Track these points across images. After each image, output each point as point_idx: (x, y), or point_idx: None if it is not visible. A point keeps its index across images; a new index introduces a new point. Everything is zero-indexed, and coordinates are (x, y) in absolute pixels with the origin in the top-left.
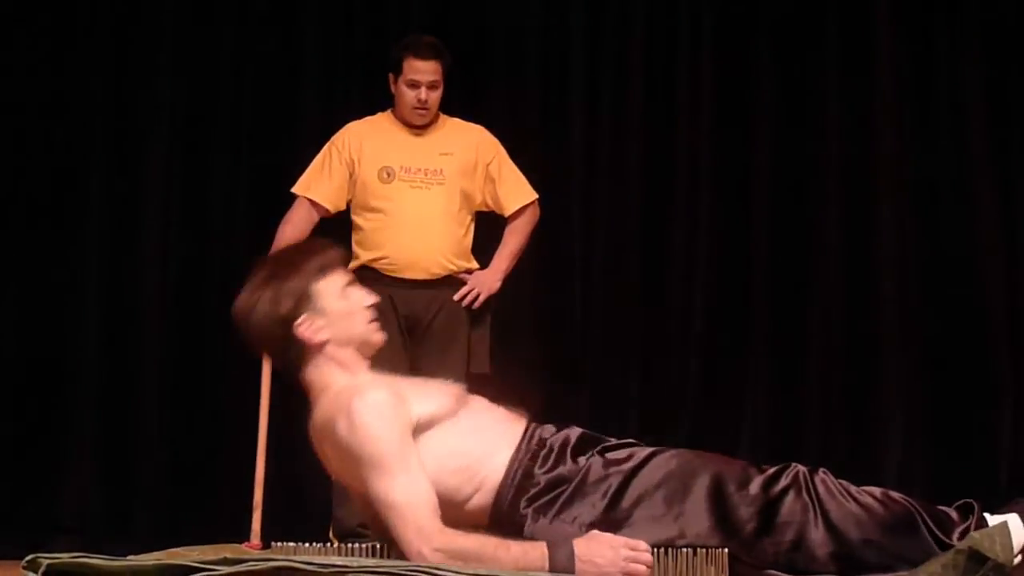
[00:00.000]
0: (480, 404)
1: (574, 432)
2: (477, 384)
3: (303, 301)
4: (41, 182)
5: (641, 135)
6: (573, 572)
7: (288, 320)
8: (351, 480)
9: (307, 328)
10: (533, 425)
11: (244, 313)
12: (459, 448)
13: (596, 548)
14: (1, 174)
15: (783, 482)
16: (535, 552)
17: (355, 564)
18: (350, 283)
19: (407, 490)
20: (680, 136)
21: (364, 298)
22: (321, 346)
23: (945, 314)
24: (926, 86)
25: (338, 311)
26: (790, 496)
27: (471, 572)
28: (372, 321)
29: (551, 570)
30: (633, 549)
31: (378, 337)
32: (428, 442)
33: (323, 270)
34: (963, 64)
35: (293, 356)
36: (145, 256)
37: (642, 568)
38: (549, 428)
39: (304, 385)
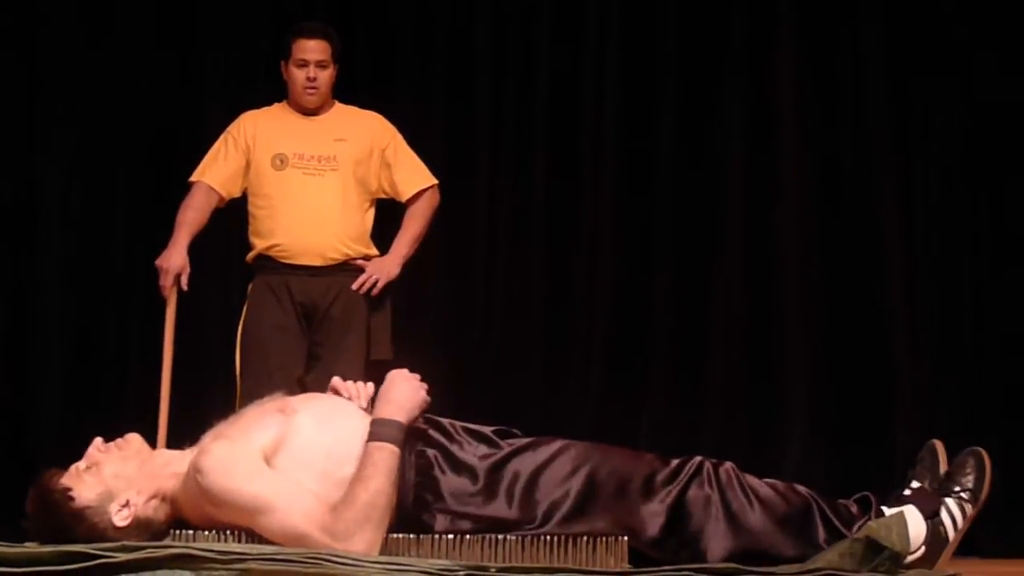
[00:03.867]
0: (322, 403)
1: (458, 424)
2: (380, 371)
3: (99, 517)
4: None
5: (546, 128)
6: (404, 421)
7: (117, 535)
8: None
9: (123, 514)
10: None
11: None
12: (330, 452)
13: (403, 393)
14: None
15: (687, 474)
16: (385, 453)
17: (255, 551)
18: (76, 467)
19: (294, 508)
20: (584, 129)
21: (93, 451)
22: (140, 504)
23: (845, 311)
24: (829, 79)
25: (109, 479)
26: (693, 488)
27: (369, 560)
28: (113, 442)
29: (394, 441)
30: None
31: (132, 439)
32: (291, 460)
33: (67, 497)
34: (866, 57)
35: (148, 530)
36: (44, 242)
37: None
38: (419, 423)
39: (176, 517)
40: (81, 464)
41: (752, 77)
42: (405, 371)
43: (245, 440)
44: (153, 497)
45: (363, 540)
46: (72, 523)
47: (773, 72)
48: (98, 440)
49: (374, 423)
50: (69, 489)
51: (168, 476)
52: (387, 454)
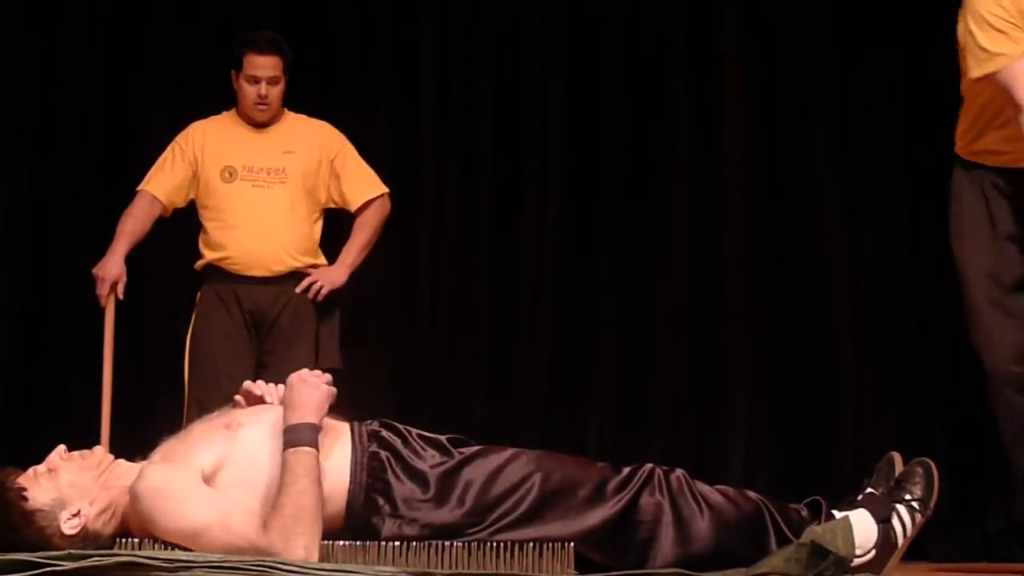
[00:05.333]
0: (268, 414)
1: (414, 431)
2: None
3: (48, 522)
4: None
5: (491, 132)
6: (315, 420)
7: (63, 543)
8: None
9: (72, 523)
10: (357, 424)
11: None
12: (279, 463)
13: (305, 395)
14: None
15: (638, 482)
16: (301, 456)
17: (201, 559)
18: (35, 469)
19: (228, 526)
20: (530, 138)
21: (55, 457)
22: (91, 515)
23: (789, 314)
24: (772, 85)
25: (64, 487)
26: (644, 495)
27: (315, 568)
28: (77, 452)
29: (309, 443)
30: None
31: (96, 453)
32: (234, 477)
33: (21, 497)
34: (809, 63)
35: (96, 540)
36: None
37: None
38: (374, 425)
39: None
40: (41, 467)
41: (696, 82)
42: (302, 372)
43: (185, 461)
44: (104, 510)
45: (299, 545)
46: (21, 523)
47: (716, 80)
48: (61, 447)
49: (285, 431)
50: (24, 489)
51: (121, 490)
52: (303, 456)
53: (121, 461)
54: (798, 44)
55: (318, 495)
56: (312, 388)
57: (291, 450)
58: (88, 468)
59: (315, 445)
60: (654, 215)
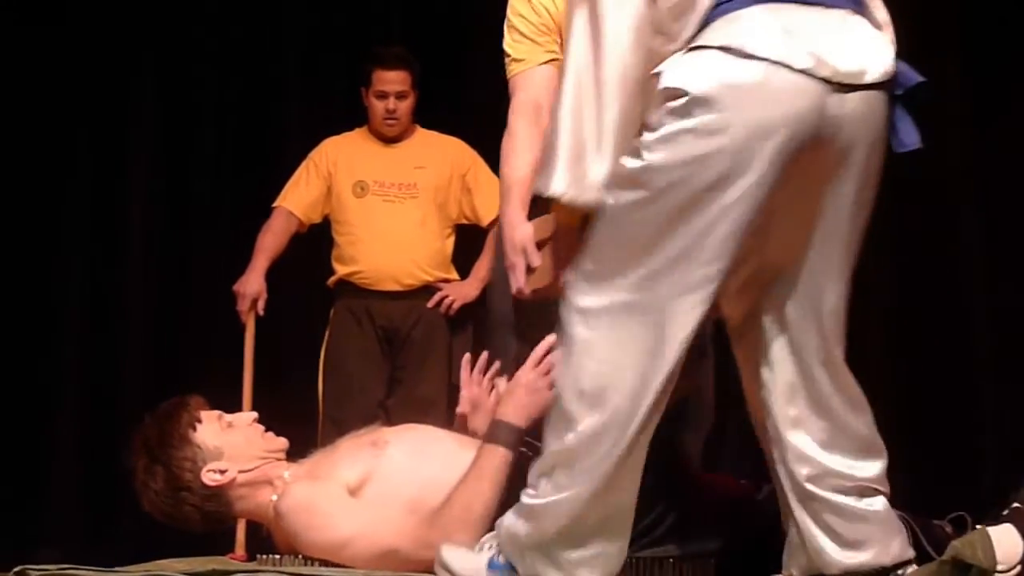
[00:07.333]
0: (415, 434)
1: None
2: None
3: (195, 459)
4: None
5: None
6: (522, 425)
7: (191, 485)
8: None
9: (214, 475)
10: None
11: (156, 508)
12: (423, 483)
13: (526, 399)
14: None
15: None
16: (494, 454)
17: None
18: (220, 416)
19: (380, 530)
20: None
21: (245, 417)
22: (233, 482)
23: (923, 321)
24: None
25: (229, 444)
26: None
27: None
28: (266, 431)
29: (508, 446)
30: (533, 369)
31: (279, 442)
32: (379, 494)
33: (192, 423)
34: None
35: (216, 507)
36: (127, 266)
37: (545, 372)
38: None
39: (244, 518)
40: (226, 416)
41: None
42: (533, 376)
43: (329, 476)
44: (245, 486)
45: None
46: (176, 443)
47: None
48: (255, 414)
49: (492, 424)
50: (199, 421)
51: (269, 488)
52: (498, 458)
53: (288, 464)
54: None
55: (490, 501)
56: (534, 394)
57: (489, 445)
58: (260, 445)
59: (512, 449)
60: None
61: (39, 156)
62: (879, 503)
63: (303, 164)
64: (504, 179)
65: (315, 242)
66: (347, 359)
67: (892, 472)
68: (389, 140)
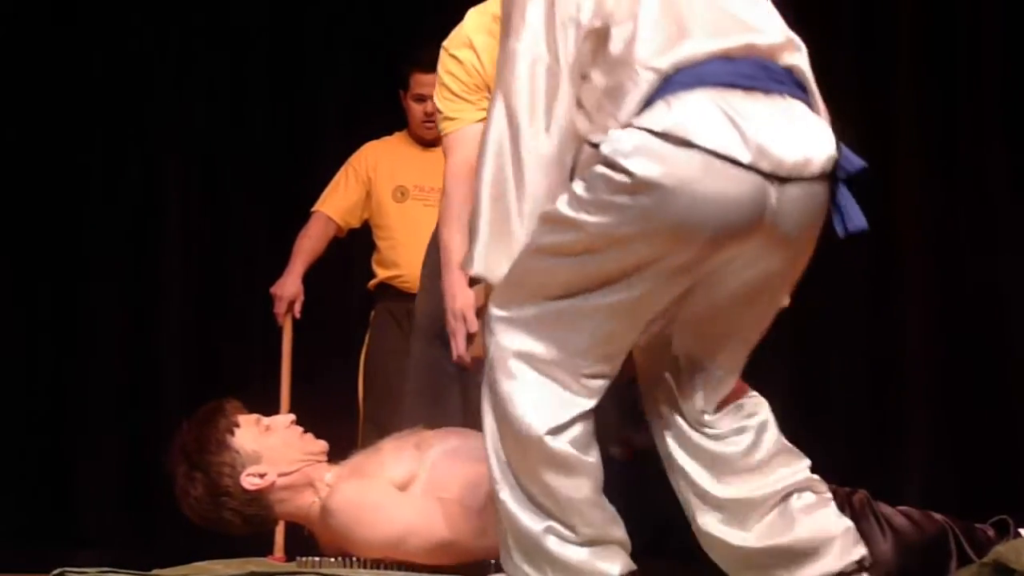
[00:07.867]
0: (459, 437)
1: None
2: None
3: (233, 464)
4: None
5: None
6: None
7: (231, 490)
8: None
9: (253, 479)
10: None
11: (197, 513)
12: (465, 484)
13: None
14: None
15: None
16: None
17: None
18: (258, 419)
19: (435, 524)
20: None
21: (283, 420)
22: (272, 485)
23: (967, 320)
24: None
25: (268, 447)
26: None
27: None
28: (304, 432)
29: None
30: None
31: (318, 444)
32: (429, 490)
33: (229, 428)
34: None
35: (257, 511)
36: (166, 269)
37: None
38: None
39: (285, 521)
40: (264, 420)
41: None
42: None
43: (376, 474)
44: (285, 489)
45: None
46: (213, 449)
47: None
48: (292, 416)
49: None
50: (237, 426)
51: (311, 491)
52: None
53: (329, 466)
54: None
55: None
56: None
57: None
58: (299, 448)
59: None
60: None
61: (78, 158)
62: None
63: (342, 169)
64: (444, 246)
65: (352, 245)
66: (388, 361)
67: (936, 476)
68: (428, 143)
